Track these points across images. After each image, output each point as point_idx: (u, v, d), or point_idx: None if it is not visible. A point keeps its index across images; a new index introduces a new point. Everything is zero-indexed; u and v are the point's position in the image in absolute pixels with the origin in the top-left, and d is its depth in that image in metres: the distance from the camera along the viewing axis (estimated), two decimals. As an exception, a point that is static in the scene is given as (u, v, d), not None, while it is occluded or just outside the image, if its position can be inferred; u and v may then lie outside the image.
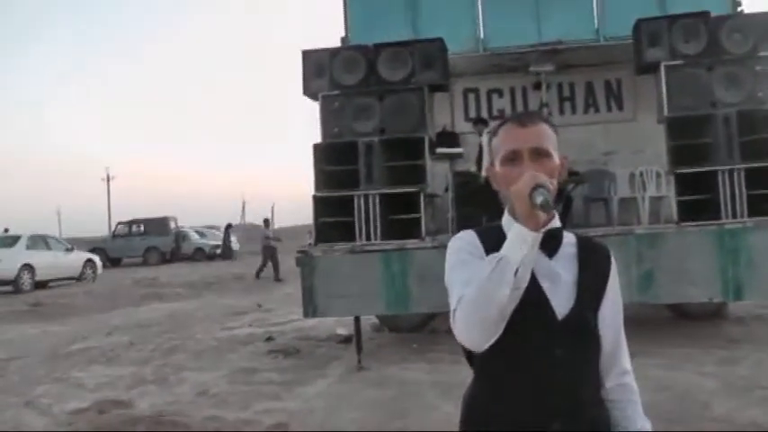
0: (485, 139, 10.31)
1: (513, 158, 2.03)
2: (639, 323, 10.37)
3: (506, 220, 2.07)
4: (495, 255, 1.87)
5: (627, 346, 2.18)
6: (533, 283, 1.91)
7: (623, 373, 2.16)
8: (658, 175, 10.88)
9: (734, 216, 8.67)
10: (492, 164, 2.14)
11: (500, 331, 1.86)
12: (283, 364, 9.70)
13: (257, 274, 24.58)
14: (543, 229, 1.89)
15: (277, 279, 23.40)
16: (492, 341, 1.87)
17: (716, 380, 7.55)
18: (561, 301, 2.00)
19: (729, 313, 11.12)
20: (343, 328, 10.97)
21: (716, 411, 6.53)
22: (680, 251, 8.65)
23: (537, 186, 1.84)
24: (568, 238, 2.11)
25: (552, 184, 1.91)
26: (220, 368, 9.57)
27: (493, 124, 2.23)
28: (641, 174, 11.15)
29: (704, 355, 8.65)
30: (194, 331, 13.13)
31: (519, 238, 1.85)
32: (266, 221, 26.46)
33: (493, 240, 1.99)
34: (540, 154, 2.02)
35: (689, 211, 8.81)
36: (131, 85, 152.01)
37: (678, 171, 8.93)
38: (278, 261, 23.84)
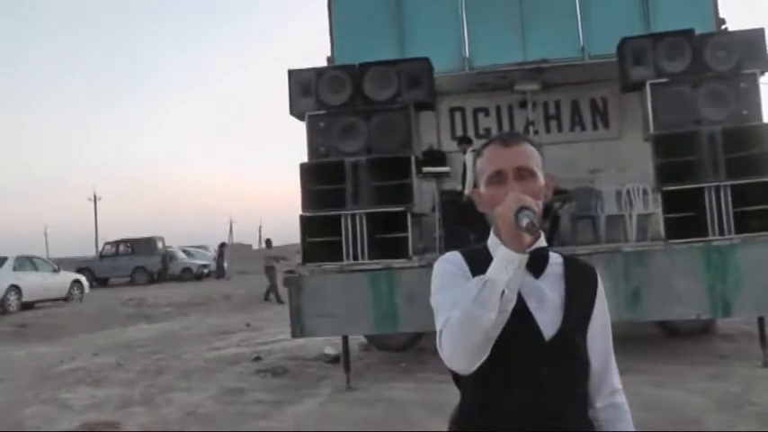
0: (469, 157, 10.33)
1: (498, 179, 2.02)
2: (628, 341, 10.37)
3: (492, 240, 2.07)
4: (482, 277, 1.85)
5: (616, 365, 2.17)
6: (520, 303, 1.89)
7: (613, 392, 2.15)
8: (645, 192, 10.91)
9: (721, 233, 8.69)
10: (476, 185, 2.13)
11: (487, 353, 1.84)
12: (271, 383, 9.67)
13: (266, 296, 23.66)
14: (529, 250, 1.88)
15: (267, 299, 23.21)
16: (479, 363, 1.85)
17: (705, 396, 7.54)
18: (548, 321, 1.99)
19: (718, 330, 11.14)
20: (332, 347, 10.92)
21: (706, 428, 6.52)
22: (667, 268, 8.67)
23: (522, 208, 1.83)
24: (555, 258, 2.10)
25: (537, 206, 1.90)
26: (208, 388, 9.53)
27: (478, 145, 2.22)
28: (628, 191, 11.17)
29: (693, 371, 8.66)
30: (182, 351, 13.07)
31: (505, 260, 1.84)
32: (268, 242, 26.25)
33: (479, 262, 1.98)
34: (524, 174, 2.01)
35: (676, 229, 8.83)
36: (118, 104, 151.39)
37: (665, 188, 8.95)
38: (276, 282, 23.63)
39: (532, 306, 1.98)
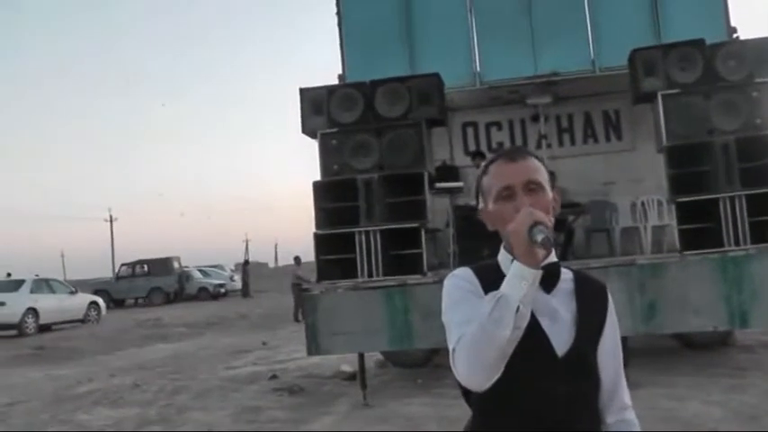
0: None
1: (506, 195, 2.00)
2: (645, 353, 10.34)
3: (503, 256, 2.06)
4: (495, 293, 1.84)
5: (626, 381, 2.16)
6: (532, 319, 1.87)
7: (623, 408, 2.14)
8: (660, 203, 10.86)
9: (736, 243, 8.62)
10: (484, 202, 2.11)
11: (501, 370, 1.83)
12: (288, 402, 9.67)
13: (295, 317, 21.93)
14: (542, 265, 1.87)
15: (297, 320, 21.29)
16: (494, 380, 1.84)
17: (723, 408, 7.50)
18: (561, 338, 1.98)
19: (736, 341, 11.06)
20: (348, 364, 10.91)
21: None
22: (683, 280, 8.61)
23: (536, 223, 1.82)
24: (565, 274, 2.09)
25: (549, 220, 1.90)
26: (225, 407, 9.54)
27: (482, 164, 2.19)
28: (642, 203, 11.13)
29: (711, 383, 8.61)
30: (198, 371, 13.09)
31: (519, 276, 1.83)
32: (297, 259, 25.80)
33: (490, 278, 1.97)
34: (534, 187, 2.00)
35: (691, 240, 8.77)
36: (131, 124, 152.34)
37: (679, 200, 8.90)
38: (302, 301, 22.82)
39: (545, 323, 1.97)
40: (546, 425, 1.95)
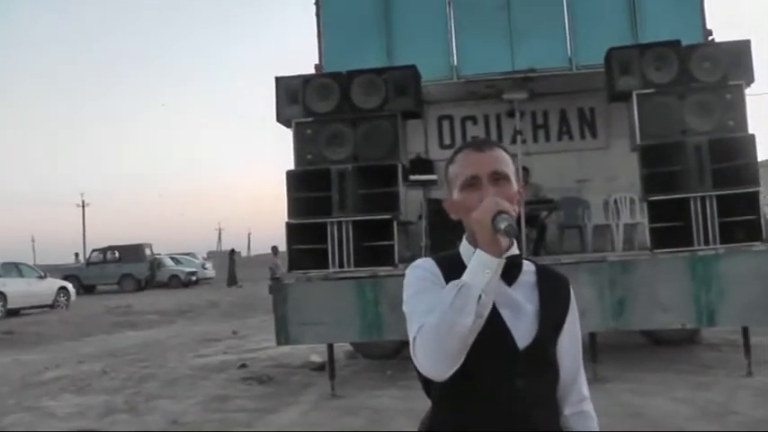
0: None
1: (472, 184, 1.99)
2: (614, 349, 10.40)
3: (465, 247, 2.05)
4: (457, 281, 1.83)
5: (595, 377, 2.16)
6: (493, 311, 1.87)
7: (581, 400, 2.14)
8: (632, 202, 10.95)
9: (706, 243, 8.71)
10: (449, 191, 2.11)
11: (462, 359, 1.82)
12: (257, 391, 9.63)
13: None
14: (505, 255, 1.86)
15: None
16: (453, 370, 1.83)
17: (689, 405, 7.56)
18: (523, 330, 1.98)
19: (703, 339, 11.17)
20: (318, 355, 10.89)
21: (689, 438, 6.53)
22: (653, 278, 8.69)
23: (499, 212, 1.82)
24: (528, 266, 2.08)
25: (514, 210, 1.89)
26: (193, 396, 9.47)
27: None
28: (615, 201, 11.21)
29: (678, 380, 8.67)
30: (167, 359, 13.01)
31: (482, 264, 1.82)
32: (274, 249, 25.87)
33: (452, 268, 1.96)
34: (499, 178, 1.99)
35: (662, 238, 8.85)
36: (105, 110, 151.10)
37: (651, 198, 8.97)
38: None
39: (506, 315, 1.97)
40: (505, 416, 1.94)
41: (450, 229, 2.11)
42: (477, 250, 1.85)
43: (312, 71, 10.37)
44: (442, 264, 2.05)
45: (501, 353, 1.95)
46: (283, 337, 9.03)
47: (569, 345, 2.10)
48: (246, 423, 7.96)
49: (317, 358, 10.90)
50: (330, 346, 9.26)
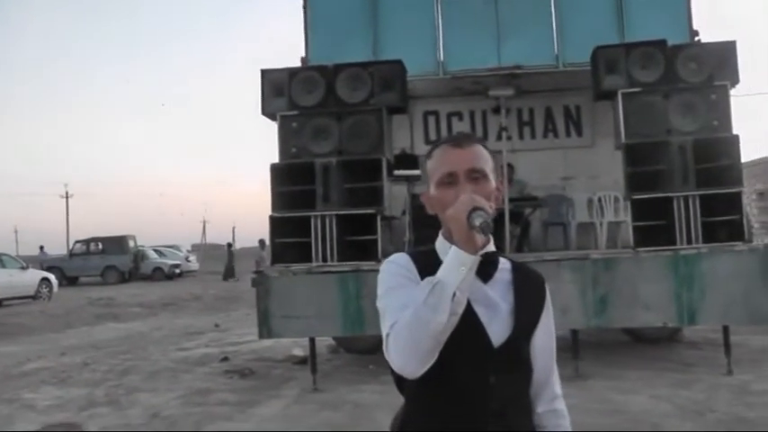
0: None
1: (449, 180, 1.98)
2: (596, 347, 10.44)
3: (440, 243, 2.05)
4: (431, 278, 1.81)
5: (558, 372, 2.16)
6: (469, 309, 1.86)
7: (554, 398, 2.15)
8: (616, 200, 10.99)
9: (689, 242, 8.75)
10: (426, 186, 2.09)
11: (435, 357, 1.81)
12: (238, 384, 9.60)
13: None
14: (480, 253, 1.85)
15: None
16: (427, 367, 1.82)
17: (670, 403, 7.59)
18: (498, 328, 1.97)
19: (684, 337, 11.23)
20: (300, 348, 10.87)
21: (667, 436, 6.56)
22: (635, 276, 8.74)
23: (475, 209, 1.81)
24: (503, 264, 2.08)
25: (491, 207, 1.89)
26: (174, 389, 9.44)
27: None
28: (599, 199, 11.24)
29: (659, 378, 8.71)
30: (149, 352, 12.97)
31: (457, 261, 1.80)
32: (261, 242, 25.86)
33: (427, 264, 1.95)
34: (477, 176, 1.98)
35: (645, 237, 8.88)
36: (93, 99, 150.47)
37: (634, 197, 8.99)
38: None
39: (481, 312, 1.95)
40: (478, 414, 1.94)
41: (434, 224, 2.10)
42: (453, 247, 1.84)
43: (298, 65, 10.34)
44: (417, 259, 2.04)
45: (475, 350, 1.93)
46: (266, 330, 9.01)
47: (543, 343, 2.09)
48: (227, 416, 7.93)
49: (299, 352, 10.87)
50: (312, 340, 9.25)
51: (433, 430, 1.98)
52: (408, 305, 1.81)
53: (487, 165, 2.02)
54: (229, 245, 41.26)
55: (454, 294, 1.77)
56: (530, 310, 2.06)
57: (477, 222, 1.78)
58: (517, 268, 2.11)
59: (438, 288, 1.78)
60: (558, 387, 2.16)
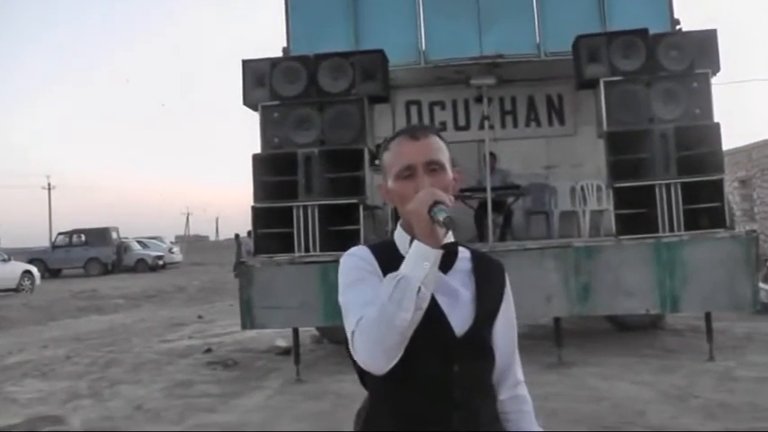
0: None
1: (407, 173, 1.96)
2: (578, 334, 10.48)
3: (399, 234, 2.04)
4: (395, 274, 1.79)
5: (519, 358, 2.16)
6: (431, 299, 1.84)
7: (516, 384, 2.15)
8: (599, 188, 11.00)
9: (671, 229, 8.79)
10: (383, 179, 2.07)
11: (401, 352, 1.80)
12: (221, 376, 9.59)
13: None
14: (441, 243, 1.83)
15: None
16: (394, 363, 1.80)
17: (652, 389, 7.64)
18: (460, 317, 1.96)
19: (667, 324, 11.29)
20: (283, 339, 10.86)
21: (651, 420, 6.59)
22: (618, 264, 8.78)
23: (436, 203, 1.79)
24: (463, 253, 2.07)
25: (450, 200, 1.87)
26: (157, 381, 9.41)
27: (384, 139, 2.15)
28: (582, 187, 11.26)
29: (642, 365, 8.76)
30: (133, 344, 12.92)
31: (420, 256, 1.78)
32: (250, 233, 25.87)
33: (387, 256, 1.95)
34: (435, 168, 1.96)
35: (627, 225, 8.92)
36: (74, 92, 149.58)
37: (617, 185, 9.02)
38: None
39: (443, 302, 1.94)
40: (443, 402, 1.93)
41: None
42: (415, 242, 1.82)
43: (280, 54, 10.29)
44: (376, 251, 2.02)
45: (438, 339, 1.92)
46: (248, 321, 9.00)
47: (505, 330, 2.09)
48: (210, 408, 7.91)
49: (282, 343, 10.86)
50: (295, 331, 9.24)
51: (398, 421, 1.96)
52: (372, 301, 1.80)
53: (444, 156, 2.01)
54: (237, 236, 41.06)
55: (419, 289, 1.76)
56: (491, 298, 2.06)
57: (441, 217, 1.77)
58: (477, 257, 2.10)
59: (402, 284, 1.76)
60: (520, 373, 2.16)
